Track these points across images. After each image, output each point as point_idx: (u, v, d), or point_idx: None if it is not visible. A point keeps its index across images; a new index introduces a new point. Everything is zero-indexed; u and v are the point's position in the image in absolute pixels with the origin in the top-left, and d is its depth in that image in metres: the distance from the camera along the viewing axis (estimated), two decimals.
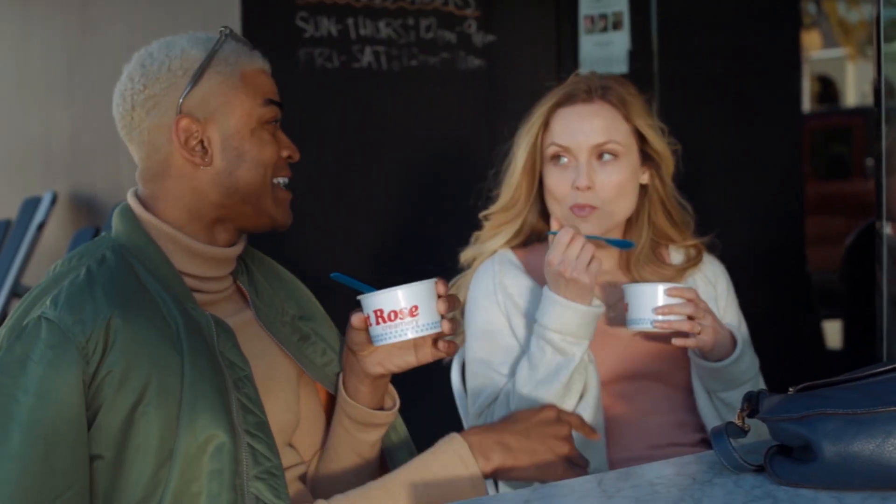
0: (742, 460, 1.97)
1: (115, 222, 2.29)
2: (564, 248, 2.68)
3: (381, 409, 2.42)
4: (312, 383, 2.44)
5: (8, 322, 2.15)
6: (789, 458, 1.93)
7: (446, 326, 2.26)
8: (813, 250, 6.52)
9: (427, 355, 2.32)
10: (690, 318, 2.66)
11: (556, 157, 2.88)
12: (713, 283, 2.98)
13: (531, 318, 2.83)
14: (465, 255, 3.08)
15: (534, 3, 5.42)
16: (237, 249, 2.32)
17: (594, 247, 2.70)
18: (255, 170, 2.26)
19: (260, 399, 2.18)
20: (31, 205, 6.63)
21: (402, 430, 2.52)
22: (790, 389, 2.01)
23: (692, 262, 2.99)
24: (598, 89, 2.89)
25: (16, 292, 6.45)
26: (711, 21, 5.30)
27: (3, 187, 7.54)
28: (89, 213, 6.54)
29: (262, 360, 2.29)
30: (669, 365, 2.88)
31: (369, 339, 2.29)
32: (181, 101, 2.22)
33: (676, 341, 2.68)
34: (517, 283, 2.91)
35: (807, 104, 16.86)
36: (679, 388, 2.88)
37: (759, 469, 1.97)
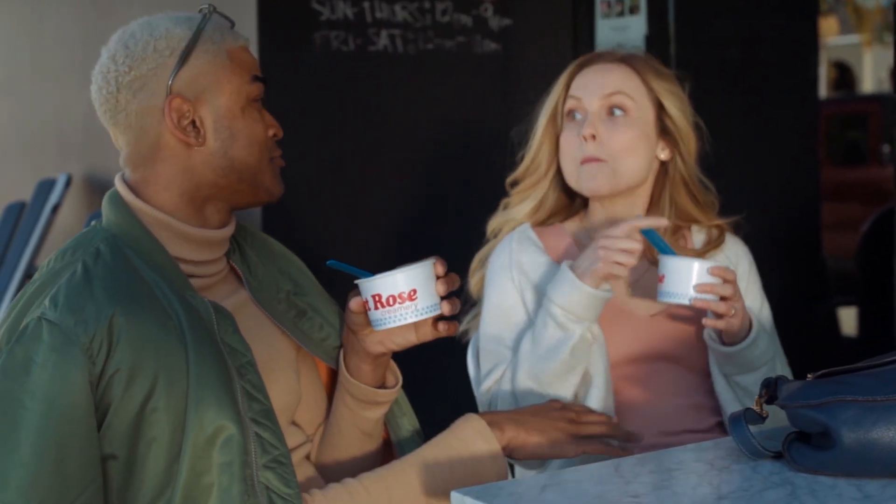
0: (760, 447, 1.96)
1: (106, 211, 2.25)
2: (620, 233, 2.66)
3: (384, 386, 2.41)
4: (311, 358, 2.43)
5: (5, 323, 2.12)
6: (808, 444, 1.92)
7: (446, 308, 2.25)
8: (829, 236, 6.49)
9: (427, 334, 2.32)
10: (724, 299, 2.62)
11: (571, 114, 2.89)
12: (735, 264, 2.95)
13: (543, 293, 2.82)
14: (491, 225, 3.07)
15: None
16: (230, 230, 2.30)
17: (640, 249, 2.67)
18: (249, 147, 2.24)
19: (263, 385, 2.16)
20: (45, 187, 6.64)
21: (413, 421, 2.51)
22: (809, 376, 2.00)
23: (713, 244, 2.96)
24: (622, 55, 2.93)
25: (30, 274, 6.46)
26: (729, 6, 5.28)
27: (17, 169, 7.55)
28: (103, 196, 6.53)
29: (261, 342, 2.27)
30: (686, 347, 2.86)
31: (368, 322, 2.28)
32: (171, 81, 2.18)
33: (707, 322, 2.65)
34: (533, 261, 2.89)
35: (823, 90, 16.82)
36: (696, 371, 2.86)
37: (778, 456, 1.97)
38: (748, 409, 2.02)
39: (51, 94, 7.15)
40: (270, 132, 2.29)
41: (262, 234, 2.50)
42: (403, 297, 2.19)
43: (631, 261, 2.65)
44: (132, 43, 2.20)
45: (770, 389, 2.02)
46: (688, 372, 2.86)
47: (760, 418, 2.02)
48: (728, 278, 2.60)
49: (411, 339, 2.33)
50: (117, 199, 2.24)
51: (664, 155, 2.92)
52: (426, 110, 5.14)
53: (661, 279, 2.63)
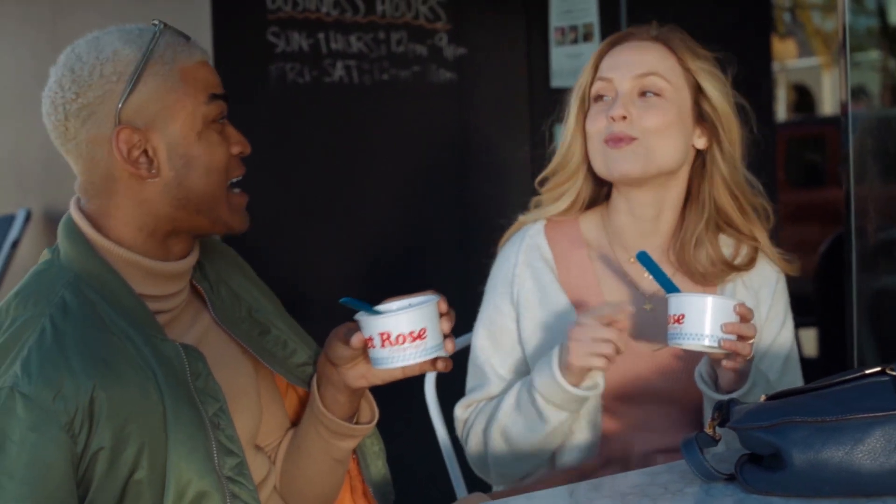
0: (713, 469, 1.97)
1: (64, 244, 2.12)
2: (589, 322, 2.47)
3: (357, 418, 2.35)
4: (269, 370, 2.33)
5: None
6: (760, 466, 1.93)
7: (449, 346, 2.15)
8: None
9: (415, 369, 2.19)
10: (742, 337, 2.37)
11: (599, 98, 2.69)
12: (755, 291, 2.76)
13: (541, 322, 2.71)
14: (527, 218, 2.85)
15: (504, 16, 5.42)
16: (194, 258, 2.19)
17: (617, 338, 2.46)
18: (206, 177, 2.10)
19: (235, 432, 2.08)
20: (4, 223, 6.61)
21: (377, 437, 2.45)
22: (761, 397, 2.01)
23: (739, 266, 2.73)
24: (657, 32, 2.72)
25: None
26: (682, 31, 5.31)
27: None
28: None
29: (225, 367, 2.20)
30: (684, 386, 2.64)
31: (366, 359, 2.20)
32: (118, 109, 2.04)
33: (726, 363, 2.40)
34: (535, 278, 2.76)
35: (782, 113, 16.90)
36: (689, 409, 2.68)
37: (730, 478, 1.97)
38: (701, 433, 2.02)
39: (7, 129, 7.12)
40: (235, 150, 2.17)
41: (220, 245, 2.41)
42: (414, 336, 2.08)
43: (608, 350, 2.45)
44: (78, 66, 2.07)
45: (722, 412, 2.03)
46: (680, 411, 2.69)
47: (713, 441, 2.03)
48: (749, 317, 2.38)
49: (396, 375, 2.22)
50: (75, 233, 2.11)
51: (701, 143, 2.71)
52: (383, 140, 5.14)
53: (677, 320, 2.35)
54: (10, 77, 7.10)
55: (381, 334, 2.10)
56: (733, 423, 1.97)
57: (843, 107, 3.49)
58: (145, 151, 2.07)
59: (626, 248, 2.74)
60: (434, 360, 2.17)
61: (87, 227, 2.10)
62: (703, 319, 2.32)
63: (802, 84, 20.14)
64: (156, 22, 2.14)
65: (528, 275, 2.77)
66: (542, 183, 2.84)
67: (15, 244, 6.43)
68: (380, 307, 2.15)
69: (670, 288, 2.41)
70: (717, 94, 2.68)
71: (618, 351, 2.46)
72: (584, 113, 2.73)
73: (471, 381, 2.82)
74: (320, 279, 4.85)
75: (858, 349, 3.54)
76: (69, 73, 2.08)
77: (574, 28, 5.20)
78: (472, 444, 2.75)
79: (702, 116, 2.69)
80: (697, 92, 2.68)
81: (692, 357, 2.59)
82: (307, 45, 4.95)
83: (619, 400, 2.69)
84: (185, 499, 1.97)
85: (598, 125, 2.66)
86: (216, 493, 1.99)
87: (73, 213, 2.14)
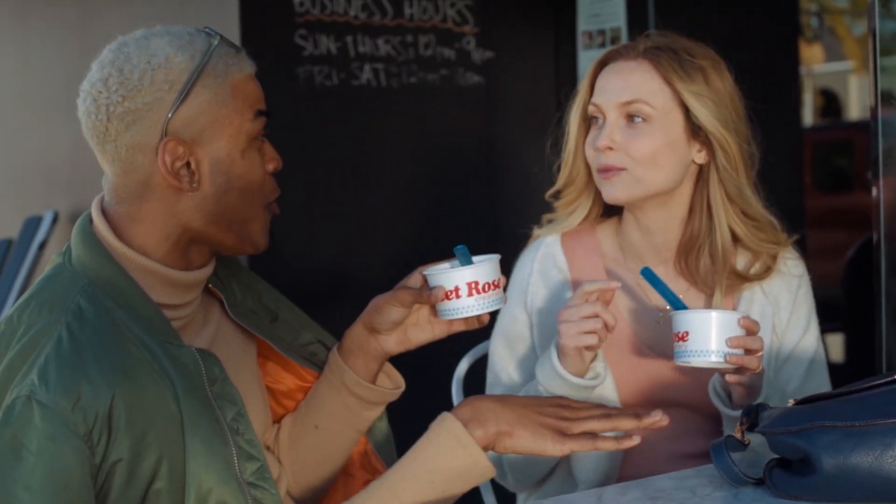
0: (741, 473, 1.97)
1: (79, 248, 2.07)
2: (575, 302, 2.45)
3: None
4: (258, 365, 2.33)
5: None
6: (789, 471, 1.93)
7: (505, 298, 2.26)
8: (814, 263, 6.49)
9: (444, 330, 2.28)
10: (750, 351, 2.33)
11: (594, 119, 2.65)
12: (774, 297, 2.71)
13: (554, 329, 2.60)
14: (541, 233, 2.85)
15: (532, 19, 5.42)
16: (210, 268, 2.16)
17: (603, 311, 2.42)
18: (244, 196, 2.07)
19: (255, 436, 2.06)
20: (32, 224, 6.63)
21: (386, 427, 2.45)
22: (790, 402, 2.01)
23: (756, 276, 2.69)
24: (650, 48, 2.63)
25: None
26: (709, 36, 5.29)
27: (4, 206, 7.54)
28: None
29: (237, 368, 2.18)
30: (700, 392, 2.59)
31: (434, 314, 2.27)
32: (167, 119, 1.99)
33: (731, 378, 2.36)
34: (549, 287, 2.76)
35: (810, 118, 16.84)
36: (709, 415, 2.64)
37: (759, 482, 1.97)
38: (729, 437, 2.02)
39: (37, 130, 7.14)
40: (270, 166, 2.13)
41: None
42: (496, 284, 2.22)
43: (596, 326, 2.41)
44: (128, 68, 2.00)
45: (751, 416, 2.03)
46: (703, 419, 2.66)
47: (742, 445, 2.03)
48: (755, 330, 2.33)
49: (428, 337, 2.30)
50: (92, 238, 2.06)
51: (700, 158, 2.64)
52: (410, 144, 5.15)
53: (681, 337, 2.31)
54: (40, 79, 7.12)
55: (470, 283, 2.21)
56: (762, 427, 1.97)
57: (873, 111, 3.48)
58: (187, 164, 2.02)
59: (638, 260, 2.73)
60: (479, 316, 2.25)
61: (108, 232, 2.06)
62: (707, 336, 2.28)
63: (829, 88, 20.09)
64: (209, 31, 2.09)
65: (542, 283, 2.77)
66: (556, 196, 2.82)
67: (42, 245, 6.45)
68: (434, 267, 2.28)
69: (676, 304, 2.39)
70: (707, 113, 2.59)
71: (607, 326, 2.43)
72: (585, 131, 2.70)
73: (489, 389, 2.83)
74: (347, 281, 4.86)
75: (887, 354, 3.52)
76: (117, 74, 2.01)
77: (602, 32, 5.20)
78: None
79: (698, 131, 2.61)
80: (688, 110, 2.60)
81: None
82: (335, 48, 4.96)
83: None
84: None
85: (589, 151, 2.65)
86: (237, 500, 1.96)
87: (95, 216, 2.09)
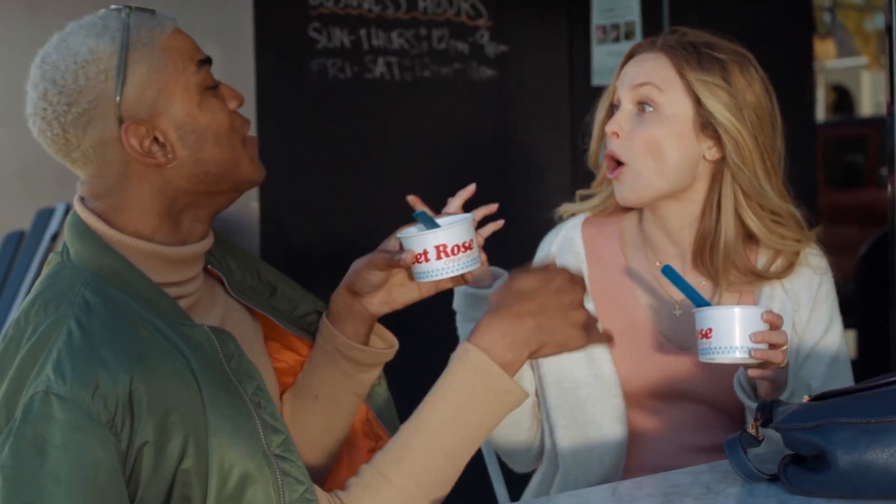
0: (756, 469, 1.97)
1: (75, 244, 2.05)
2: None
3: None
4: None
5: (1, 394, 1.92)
6: (803, 467, 1.93)
7: (483, 257, 2.26)
8: (827, 259, 6.48)
9: (429, 289, 2.28)
10: (774, 346, 2.29)
11: (615, 108, 2.66)
12: (795, 294, 2.70)
13: None
14: (564, 209, 2.86)
15: (546, 13, 5.42)
16: (210, 240, 2.14)
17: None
18: (219, 144, 2.05)
19: (276, 408, 2.03)
20: (44, 216, 6.64)
21: (385, 391, 2.46)
22: (804, 398, 2.00)
23: (776, 274, 2.67)
24: (663, 43, 2.65)
25: None
26: (723, 30, 5.29)
27: (16, 198, 7.55)
28: None
29: (250, 343, 2.19)
30: (723, 388, 2.58)
31: (410, 277, 2.26)
32: (118, 107, 1.98)
33: (754, 373, 2.32)
34: None
35: (822, 114, 16.83)
36: (728, 413, 2.64)
37: (773, 478, 1.97)
38: (744, 433, 2.02)
39: None
40: (233, 105, 2.10)
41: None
42: (466, 247, 2.18)
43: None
44: (58, 76, 2.00)
45: (766, 412, 2.03)
46: (714, 412, 2.66)
47: (756, 441, 2.02)
48: (779, 324, 2.30)
49: (414, 296, 2.30)
50: (85, 231, 2.05)
51: (711, 155, 2.62)
52: (423, 137, 5.15)
53: (704, 334, 2.29)
54: None
55: (438, 247, 2.18)
56: (777, 423, 1.96)
57: (888, 107, 3.47)
58: (155, 139, 2.01)
59: (657, 253, 2.73)
60: (464, 274, 2.22)
61: (99, 223, 2.04)
62: (731, 332, 2.26)
63: (841, 84, 20.07)
64: (117, 6, 2.05)
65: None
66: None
67: (55, 237, 6.46)
68: (406, 230, 2.26)
69: (698, 301, 2.36)
70: (718, 104, 2.57)
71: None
72: (607, 120, 2.70)
73: None
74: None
75: None
76: (52, 86, 2.01)
77: (616, 26, 5.19)
78: None
79: (709, 126, 2.60)
80: (698, 104, 2.59)
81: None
82: (349, 42, 4.96)
83: (652, 398, 2.68)
84: (230, 483, 1.91)
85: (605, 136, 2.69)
86: (263, 473, 1.93)
87: (81, 212, 2.07)
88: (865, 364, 6.17)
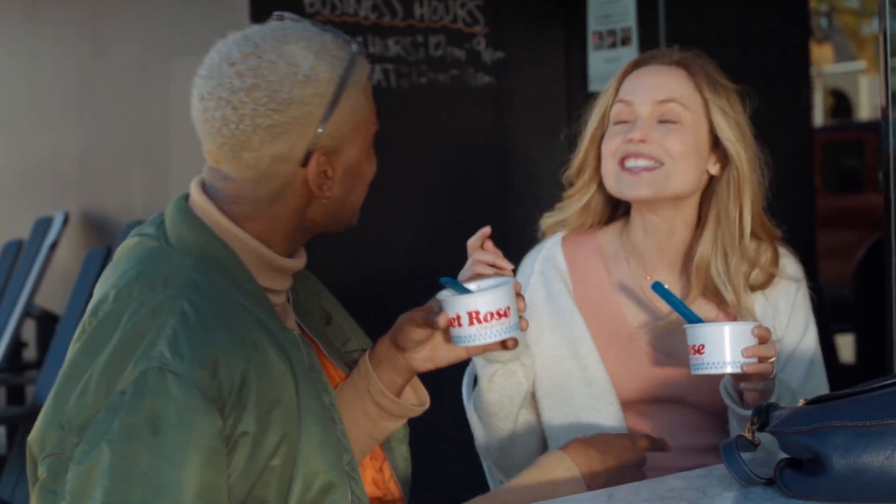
0: (752, 473, 1.97)
1: (180, 228, 2.03)
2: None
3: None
4: None
5: (96, 367, 1.86)
6: (799, 470, 1.93)
7: (524, 324, 2.22)
8: (825, 263, 6.51)
9: (478, 350, 2.28)
10: (763, 359, 2.36)
11: (620, 122, 2.70)
12: (774, 300, 2.76)
13: (548, 324, 2.75)
14: (545, 222, 2.91)
15: (542, 20, 5.43)
16: (305, 258, 2.16)
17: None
18: (362, 192, 2.13)
19: (345, 427, 2.06)
20: (42, 225, 6.65)
21: (406, 451, 2.46)
22: (800, 402, 2.01)
23: (756, 286, 2.75)
24: (678, 57, 2.73)
25: (29, 312, 6.45)
26: (721, 35, 5.31)
27: (15, 207, 7.56)
28: (101, 233, 6.54)
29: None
30: (711, 392, 2.63)
31: (445, 340, 2.25)
32: (318, 133, 1.98)
33: (746, 385, 2.41)
34: (547, 287, 2.80)
35: (820, 118, 16.85)
36: (711, 413, 2.70)
37: (770, 482, 1.97)
38: (740, 437, 2.02)
39: (48, 132, 7.16)
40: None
41: None
42: (501, 314, 2.16)
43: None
44: (274, 78, 1.96)
45: (761, 416, 2.03)
46: (702, 414, 2.72)
47: (752, 445, 2.03)
48: (768, 337, 2.37)
49: (461, 355, 2.28)
50: (193, 217, 2.03)
51: (714, 170, 2.72)
52: (420, 144, 5.16)
53: (697, 350, 2.36)
54: (50, 81, 7.14)
55: (470, 313, 2.16)
56: (773, 427, 1.96)
57: (883, 111, 3.48)
58: (325, 172, 2.02)
59: (643, 263, 2.78)
60: (504, 340, 2.21)
61: (218, 214, 2.02)
62: (722, 348, 2.33)
63: (839, 89, 20.07)
64: (345, 37, 2.06)
65: (542, 283, 2.81)
66: (569, 180, 2.88)
67: (53, 246, 6.47)
68: (445, 292, 2.24)
69: (689, 317, 2.42)
70: (728, 129, 2.68)
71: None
72: (601, 132, 2.75)
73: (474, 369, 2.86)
74: (358, 281, 4.86)
75: None
76: (264, 85, 1.97)
77: (612, 32, 5.20)
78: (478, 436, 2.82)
79: (717, 144, 2.70)
80: (712, 121, 2.69)
81: None
82: None
83: (642, 403, 2.73)
84: (312, 489, 1.92)
85: (612, 146, 2.69)
86: (342, 487, 1.95)
87: (198, 198, 2.04)
88: (862, 368, 6.19)
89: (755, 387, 2.39)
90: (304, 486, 1.91)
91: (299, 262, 2.13)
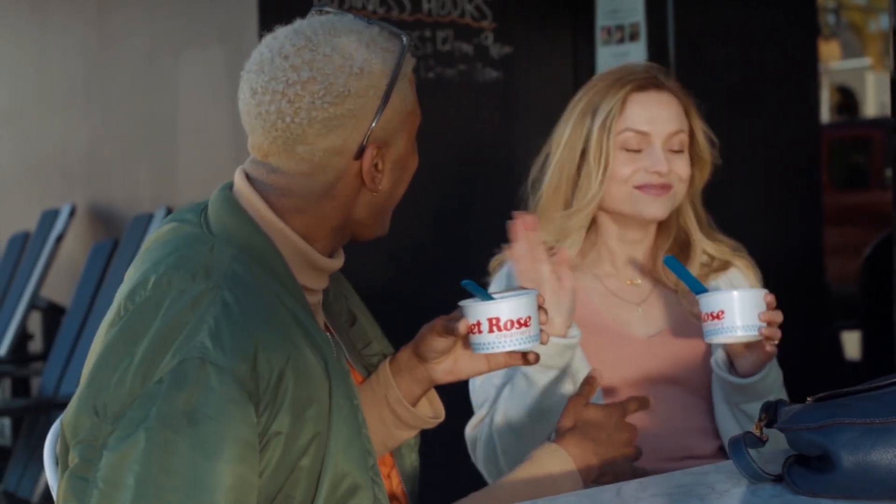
0: (760, 470, 1.97)
1: (224, 217, 2.02)
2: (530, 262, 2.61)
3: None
4: None
5: (137, 348, 1.85)
6: (807, 467, 1.93)
7: (545, 337, 2.22)
8: (831, 260, 6.50)
9: (500, 362, 2.27)
10: (772, 323, 2.52)
11: (636, 150, 2.80)
12: (729, 283, 2.92)
13: None
14: (496, 262, 2.95)
15: (550, 15, 5.43)
16: (342, 259, 2.16)
17: (567, 275, 2.59)
18: (405, 185, 2.12)
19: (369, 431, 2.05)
20: (49, 217, 6.65)
21: (416, 459, 2.45)
22: (808, 399, 2.01)
23: (715, 269, 2.92)
24: (669, 87, 2.86)
25: (35, 305, 6.46)
26: (729, 32, 5.30)
27: (21, 199, 7.56)
28: (107, 226, 6.54)
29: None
30: (687, 369, 2.81)
31: (464, 348, 2.25)
32: (371, 127, 1.98)
33: (749, 353, 2.62)
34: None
35: (827, 115, 16.83)
36: (696, 394, 2.82)
37: (778, 479, 1.97)
38: (748, 433, 2.02)
39: (55, 124, 7.16)
40: None
41: None
42: (520, 323, 2.17)
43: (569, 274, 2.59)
44: (329, 70, 1.96)
45: (770, 413, 2.03)
46: (688, 394, 2.82)
47: (760, 442, 2.03)
48: (774, 304, 2.54)
49: (482, 368, 2.29)
50: (238, 207, 2.02)
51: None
52: (427, 138, 5.13)
53: (715, 316, 2.49)
54: (58, 73, 7.14)
55: (490, 319, 2.17)
56: (781, 423, 1.97)
57: (892, 108, 3.48)
58: (375, 165, 2.02)
59: (615, 265, 2.92)
60: (525, 354, 2.24)
61: (265, 208, 2.01)
62: (742, 312, 2.48)
63: (846, 86, 20.06)
64: (394, 30, 2.06)
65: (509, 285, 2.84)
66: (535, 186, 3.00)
67: (60, 238, 6.47)
68: (470, 299, 2.24)
69: (698, 288, 2.56)
70: (704, 140, 2.90)
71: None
72: (603, 149, 2.81)
73: (476, 399, 2.85)
74: (363, 278, 4.85)
75: None
76: (321, 78, 1.97)
77: (620, 27, 5.20)
78: (481, 451, 2.79)
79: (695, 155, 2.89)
80: (691, 137, 2.87)
81: (688, 341, 2.81)
82: None
83: (627, 385, 2.80)
84: (339, 490, 1.91)
85: (625, 172, 2.80)
86: (368, 489, 1.94)
87: (244, 188, 2.03)
88: (870, 365, 6.18)
89: (758, 356, 2.60)
90: (332, 486, 1.90)
91: (338, 262, 2.12)
